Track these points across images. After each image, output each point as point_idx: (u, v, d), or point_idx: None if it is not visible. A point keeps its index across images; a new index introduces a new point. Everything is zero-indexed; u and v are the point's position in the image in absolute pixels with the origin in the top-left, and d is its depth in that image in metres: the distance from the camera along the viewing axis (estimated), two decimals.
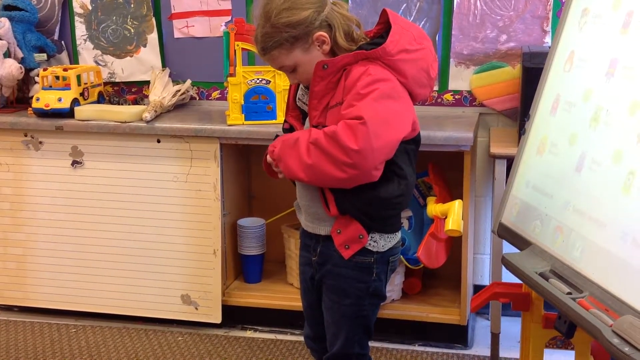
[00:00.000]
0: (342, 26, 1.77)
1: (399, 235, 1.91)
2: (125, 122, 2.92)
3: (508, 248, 1.99)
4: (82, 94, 3.07)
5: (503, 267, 1.90)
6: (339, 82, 1.75)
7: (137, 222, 2.99)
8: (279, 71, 2.14)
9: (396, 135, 1.72)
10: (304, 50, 1.76)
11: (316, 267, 1.91)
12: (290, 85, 1.93)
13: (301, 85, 1.89)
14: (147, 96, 3.26)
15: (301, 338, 2.95)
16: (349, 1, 3.07)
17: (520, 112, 2.72)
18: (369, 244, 1.83)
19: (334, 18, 1.76)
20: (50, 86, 3.04)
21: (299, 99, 1.90)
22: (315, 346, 2.05)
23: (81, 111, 2.98)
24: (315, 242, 1.90)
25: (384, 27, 1.81)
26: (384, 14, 1.82)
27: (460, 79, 3.05)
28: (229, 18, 3.21)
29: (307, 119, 1.84)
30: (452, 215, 2.60)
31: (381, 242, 1.85)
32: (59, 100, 2.98)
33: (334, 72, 1.74)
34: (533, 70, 2.44)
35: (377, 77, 1.70)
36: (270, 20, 1.74)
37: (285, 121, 1.94)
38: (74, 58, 3.41)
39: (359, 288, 1.87)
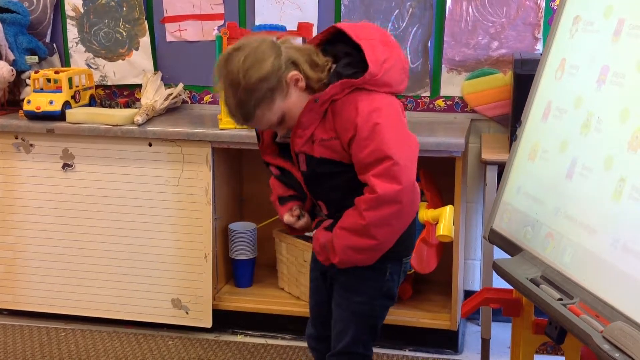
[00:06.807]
0: (304, 58, 1.75)
1: (412, 237, 1.92)
2: (117, 125, 2.92)
3: (499, 254, 2.00)
4: (73, 97, 3.06)
5: (494, 273, 1.90)
6: (325, 114, 1.74)
7: (128, 225, 2.98)
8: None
9: (416, 145, 1.78)
10: (283, 97, 1.72)
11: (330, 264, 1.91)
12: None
13: None
14: (139, 99, 3.26)
15: (292, 342, 2.94)
16: (342, 7, 3.08)
17: (511, 118, 2.73)
18: None
19: (293, 55, 1.74)
20: (42, 89, 3.03)
21: (281, 137, 1.87)
22: (317, 346, 2.05)
23: (72, 114, 2.97)
24: None
25: (329, 34, 1.81)
26: (333, 27, 1.80)
27: (452, 85, 3.06)
28: (222, 22, 3.21)
29: (292, 146, 1.81)
30: (443, 220, 2.61)
31: (397, 243, 1.85)
32: (50, 103, 2.97)
33: (321, 103, 1.73)
34: (524, 77, 2.45)
35: (372, 108, 1.70)
36: (241, 84, 1.68)
37: (268, 164, 1.93)
38: (65, 61, 3.40)
39: (372, 287, 1.87)
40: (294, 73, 1.72)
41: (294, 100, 1.74)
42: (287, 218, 1.90)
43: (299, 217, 1.90)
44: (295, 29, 2.77)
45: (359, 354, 1.92)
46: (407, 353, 2.90)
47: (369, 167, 1.70)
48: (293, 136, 1.78)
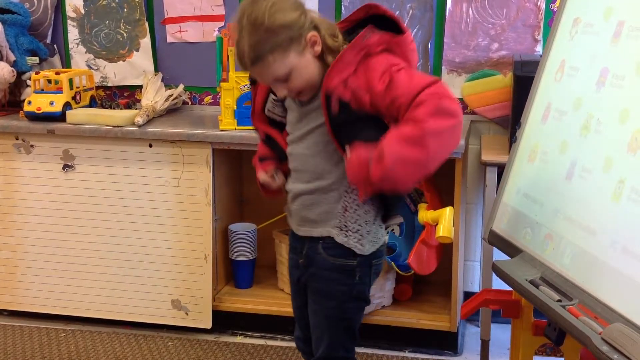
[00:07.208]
0: (325, 27, 1.77)
1: (383, 239, 1.91)
2: (117, 126, 2.92)
3: (498, 255, 2.00)
4: (74, 98, 3.06)
5: (493, 274, 1.90)
6: (358, 65, 1.72)
7: (128, 226, 2.98)
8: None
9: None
10: (298, 52, 1.72)
11: (302, 270, 1.92)
12: (256, 92, 1.90)
13: (271, 97, 1.87)
14: (139, 100, 3.26)
15: (291, 344, 2.94)
16: (342, 7, 3.08)
17: (511, 120, 2.73)
18: (355, 246, 1.83)
19: (317, 20, 1.76)
20: (42, 90, 3.04)
21: (268, 109, 1.89)
22: (305, 348, 2.05)
23: (73, 115, 2.97)
24: (302, 245, 1.91)
25: (358, 20, 1.81)
26: (368, 8, 1.79)
27: (452, 86, 3.06)
28: (223, 23, 3.21)
29: (326, 84, 1.77)
30: (443, 222, 2.61)
31: (367, 246, 1.85)
32: (51, 103, 2.97)
33: (359, 49, 1.71)
34: (524, 79, 2.45)
35: (404, 63, 1.72)
36: (264, 24, 1.68)
37: (256, 128, 1.94)
38: (66, 62, 3.40)
39: (342, 291, 1.87)
40: (314, 34, 1.73)
41: (306, 62, 1.73)
42: (262, 176, 1.91)
43: (273, 178, 1.91)
44: None
45: (341, 357, 1.92)
46: (407, 354, 2.90)
47: (414, 99, 1.64)
48: (329, 73, 1.72)
